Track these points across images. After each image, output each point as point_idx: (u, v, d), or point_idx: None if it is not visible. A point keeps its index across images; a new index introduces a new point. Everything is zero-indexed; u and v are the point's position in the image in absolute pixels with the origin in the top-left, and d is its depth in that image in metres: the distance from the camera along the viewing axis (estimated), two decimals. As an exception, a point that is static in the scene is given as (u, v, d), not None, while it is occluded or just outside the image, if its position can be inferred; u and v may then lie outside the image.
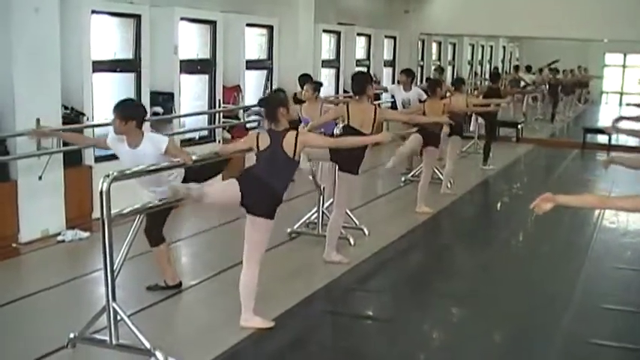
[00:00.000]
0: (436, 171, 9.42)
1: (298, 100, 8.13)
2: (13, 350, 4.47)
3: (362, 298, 5.81)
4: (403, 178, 10.04)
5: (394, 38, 15.80)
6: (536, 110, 19.97)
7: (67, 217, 7.05)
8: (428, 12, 15.74)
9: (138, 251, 5.19)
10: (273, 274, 5.49)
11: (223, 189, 4.77)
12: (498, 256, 7.20)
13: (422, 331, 5.17)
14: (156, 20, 8.55)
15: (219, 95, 9.82)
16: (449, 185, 9.61)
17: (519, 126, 15.51)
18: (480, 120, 12.63)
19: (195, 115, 9.71)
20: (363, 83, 6.40)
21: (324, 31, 12.93)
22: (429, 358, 4.80)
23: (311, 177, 6.99)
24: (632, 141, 13.41)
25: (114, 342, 4.31)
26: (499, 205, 10.27)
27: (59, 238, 6.80)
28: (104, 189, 4.15)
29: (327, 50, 13.28)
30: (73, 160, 7.25)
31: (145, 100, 8.36)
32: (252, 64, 10.70)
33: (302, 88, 8.30)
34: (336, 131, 6.57)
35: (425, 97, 9.56)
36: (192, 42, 9.52)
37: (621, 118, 7.20)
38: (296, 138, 4.76)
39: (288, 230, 7.06)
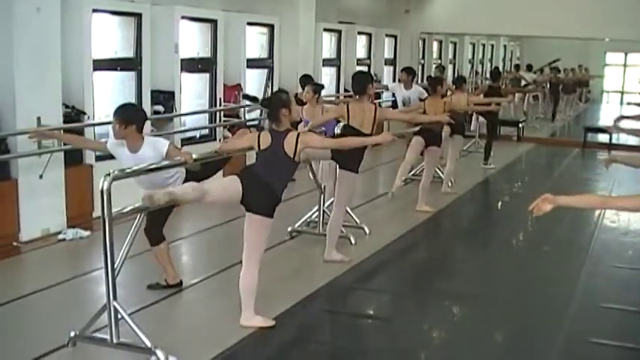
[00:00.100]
0: (437, 170, 9.41)
1: (300, 101, 8.13)
2: (13, 349, 4.47)
3: (362, 297, 5.81)
4: (403, 178, 10.03)
5: (395, 37, 15.81)
6: (537, 109, 19.98)
7: (68, 216, 7.06)
8: (429, 11, 15.74)
9: (138, 250, 5.19)
10: (273, 273, 5.50)
11: (224, 187, 4.76)
12: (499, 255, 7.20)
13: (422, 331, 5.17)
14: (157, 19, 8.55)
15: (219, 94, 9.82)
16: (449, 184, 9.62)
17: (520, 125, 15.51)
18: (481, 119, 12.63)
19: (196, 114, 9.71)
20: (363, 83, 6.41)
21: (325, 29, 12.94)
22: (429, 358, 4.80)
23: (312, 176, 6.99)
24: (632, 140, 13.40)
25: (114, 340, 4.30)
26: (500, 204, 10.27)
27: (60, 236, 6.81)
28: (105, 188, 4.16)
29: (327, 49, 13.27)
30: (73, 158, 7.25)
31: (146, 98, 8.39)
32: (253, 63, 10.70)
33: (303, 89, 8.30)
34: (337, 130, 6.58)
35: (426, 95, 9.54)
36: (193, 40, 9.52)
37: (622, 117, 7.21)
38: (297, 138, 4.76)
39: (289, 229, 7.06)
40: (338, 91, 13.47)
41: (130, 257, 4.70)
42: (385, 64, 15.39)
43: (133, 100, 8.09)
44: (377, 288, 6.03)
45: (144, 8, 8.31)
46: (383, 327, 5.22)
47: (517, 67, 21.74)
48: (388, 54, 15.62)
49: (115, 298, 4.29)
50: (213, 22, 9.60)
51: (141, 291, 5.39)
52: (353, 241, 6.85)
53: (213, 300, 5.42)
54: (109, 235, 4.20)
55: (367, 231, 7.23)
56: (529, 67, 20.53)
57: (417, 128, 8.33)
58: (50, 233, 6.84)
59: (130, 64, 8.32)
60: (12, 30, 6.38)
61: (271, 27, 10.98)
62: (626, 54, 27.22)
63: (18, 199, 6.61)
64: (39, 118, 6.56)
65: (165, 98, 8.82)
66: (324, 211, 7.04)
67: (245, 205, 4.72)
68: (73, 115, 7.39)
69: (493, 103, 10.67)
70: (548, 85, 19.49)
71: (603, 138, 14.32)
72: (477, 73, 21.87)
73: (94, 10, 7.64)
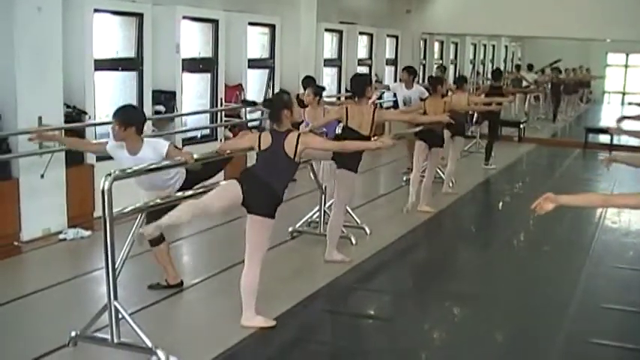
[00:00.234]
0: (438, 170, 9.41)
1: (301, 102, 8.13)
2: (14, 348, 4.47)
3: (363, 297, 5.81)
4: (405, 178, 10.04)
5: (396, 37, 15.82)
6: (538, 110, 19.96)
7: (69, 216, 7.06)
8: (430, 11, 15.74)
9: (139, 250, 5.19)
10: (274, 273, 5.49)
11: (221, 195, 4.73)
12: (499, 255, 7.20)
13: (423, 331, 5.17)
14: (158, 19, 8.56)
15: (221, 94, 9.83)
16: (450, 185, 9.62)
17: (521, 125, 15.50)
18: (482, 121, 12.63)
19: (197, 114, 9.71)
20: (362, 85, 6.43)
21: (327, 30, 12.94)
22: (430, 358, 4.80)
23: (312, 176, 6.99)
24: (633, 140, 13.39)
25: (115, 340, 4.31)
26: (500, 204, 10.26)
27: (61, 236, 6.81)
28: (106, 188, 4.16)
29: (329, 49, 13.28)
30: (74, 158, 7.25)
31: (147, 98, 8.39)
32: (254, 63, 10.70)
33: (305, 90, 8.29)
34: (338, 130, 6.58)
35: (426, 95, 9.54)
36: (194, 40, 9.52)
37: (624, 117, 7.20)
38: (297, 139, 4.76)
39: (290, 229, 7.06)
40: (339, 91, 13.47)
41: (131, 257, 4.69)
42: (386, 64, 15.40)
43: (134, 100, 8.10)
44: (378, 288, 6.03)
45: (145, 8, 8.31)
46: (384, 327, 5.22)
47: (518, 67, 21.72)
48: (389, 54, 15.63)
49: (115, 298, 4.30)
50: (215, 22, 9.60)
51: (141, 291, 5.39)
52: (354, 242, 6.85)
53: (214, 300, 5.42)
54: (110, 235, 4.21)
55: (368, 231, 7.23)
56: (530, 68, 20.53)
57: (417, 128, 8.32)
58: (51, 233, 6.84)
59: (132, 64, 8.32)
60: (13, 30, 6.39)
61: (272, 27, 10.97)
62: (627, 55, 27.22)
63: (19, 199, 6.62)
64: (40, 118, 6.57)
65: (167, 98, 8.82)
66: (324, 211, 7.04)
67: (246, 206, 4.72)
68: (74, 115, 7.39)
69: (494, 103, 10.67)
70: (550, 86, 19.48)
71: (604, 139, 14.31)
72: (478, 73, 21.86)
73: (96, 10, 7.64)
